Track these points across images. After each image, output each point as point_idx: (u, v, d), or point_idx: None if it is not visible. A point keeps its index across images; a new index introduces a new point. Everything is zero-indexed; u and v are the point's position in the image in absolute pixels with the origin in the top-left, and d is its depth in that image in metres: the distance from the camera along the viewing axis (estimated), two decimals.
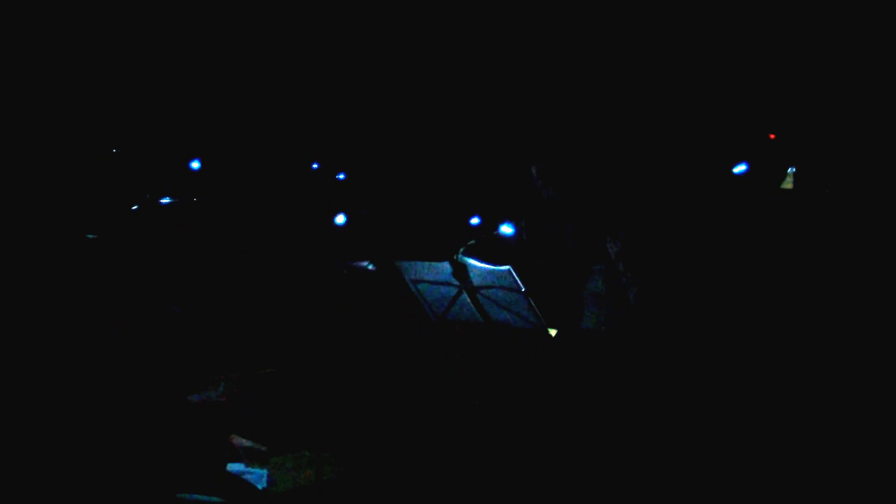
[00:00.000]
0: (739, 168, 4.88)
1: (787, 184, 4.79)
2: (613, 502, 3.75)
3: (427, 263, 3.84)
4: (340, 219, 4.69)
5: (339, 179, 5.40)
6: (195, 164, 5.34)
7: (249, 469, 3.72)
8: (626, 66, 5.21)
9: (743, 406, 4.17)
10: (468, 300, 3.82)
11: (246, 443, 3.72)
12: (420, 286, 3.92)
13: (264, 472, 3.68)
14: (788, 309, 4.54)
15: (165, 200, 4.81)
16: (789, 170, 4.79)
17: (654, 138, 5.14)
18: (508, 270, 3.61)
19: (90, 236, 4.29)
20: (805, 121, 4.88)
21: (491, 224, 4.36)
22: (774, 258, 4.68)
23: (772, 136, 4.90)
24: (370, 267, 4.51)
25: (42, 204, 4.59)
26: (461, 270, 3.72)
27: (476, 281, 3.74)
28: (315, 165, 5.47)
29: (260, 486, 3.61)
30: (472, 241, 3.85)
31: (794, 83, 4.91)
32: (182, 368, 3.92)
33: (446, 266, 3.75)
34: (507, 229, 4.11)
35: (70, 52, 5.11)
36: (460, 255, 3.75)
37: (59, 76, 5.07)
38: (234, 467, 3.72)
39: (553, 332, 3.97)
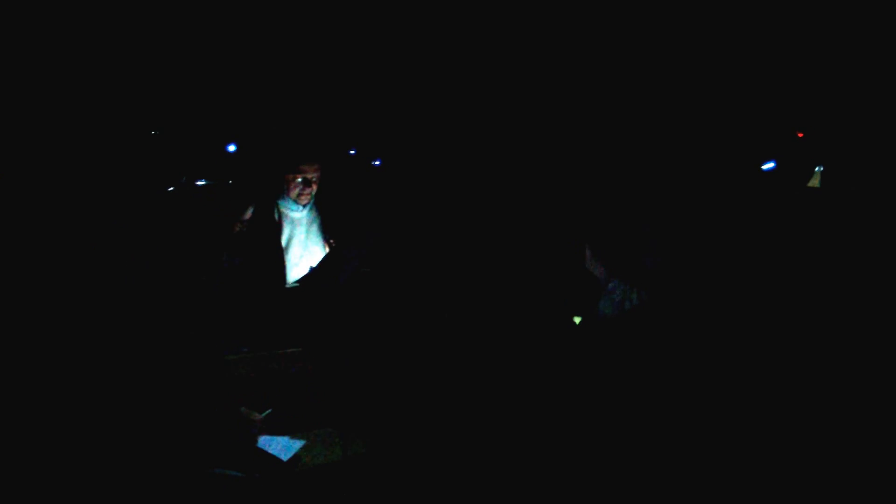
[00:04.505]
0: (768, 166, 4.90)
1: (815, 182, 4.80)
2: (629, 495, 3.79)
3: None
4: None
5: (374, 166, 5.49)
6: (231, 148, 5.45)
7: (273, 442, 3.72)
8: (655, 64, 5.24)
9: (769, 403, 4.16)
10: None
11: (256, 415, 3.72)
12: None
13: (291, 444, 3.71)
14: (814, 308, 4.52)
15: (201, 182, 4.90)
16: (817, 168, 4.80)
17: (682, 137, 5.16)
18: None
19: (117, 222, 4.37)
20: (833, 119, 4.88)
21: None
22: (800, 257, 4.68)
23: (800, 135, 4.91)
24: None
25: (79, 186, 4.68)
26: None
27: None
28: (352, 151, 5.56)
29: (285, 459, 3.63)
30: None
31: (823, 81, 4.91)
32: (207, 346, 3.99)
33: None
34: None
35: (108, 39, 5.21)
36: None
37: (100, 62, 5.18)
38: (263, 442, 3.73)
39: (577, 320, 4.01)
